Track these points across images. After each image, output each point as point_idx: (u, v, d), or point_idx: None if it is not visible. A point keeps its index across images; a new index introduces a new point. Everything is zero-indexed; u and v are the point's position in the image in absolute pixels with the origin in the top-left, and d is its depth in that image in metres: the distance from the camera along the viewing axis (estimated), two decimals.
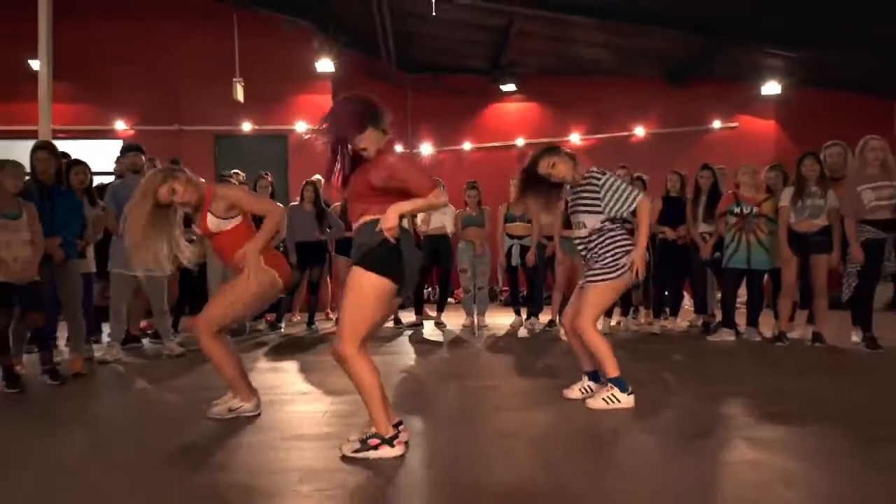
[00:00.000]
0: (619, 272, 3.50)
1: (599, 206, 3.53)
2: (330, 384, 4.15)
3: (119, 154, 5.76)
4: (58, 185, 4.67)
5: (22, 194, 4.17)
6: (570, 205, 3.70)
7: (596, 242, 3.55)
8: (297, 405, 3.71)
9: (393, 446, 2.65)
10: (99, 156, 8.50)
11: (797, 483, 2.39)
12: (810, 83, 9.03)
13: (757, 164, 6.27)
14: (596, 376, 3.69)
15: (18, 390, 3.94)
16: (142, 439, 3.08)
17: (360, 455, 2.62)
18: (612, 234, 3.55)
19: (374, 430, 2.66)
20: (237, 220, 3.36)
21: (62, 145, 7.06)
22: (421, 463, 2.70)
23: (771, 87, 9.07)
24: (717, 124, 9.58)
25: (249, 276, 3.19)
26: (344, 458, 2.64)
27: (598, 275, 3.53)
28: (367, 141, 2.62)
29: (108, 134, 8.99)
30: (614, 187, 3.51)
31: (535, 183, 3.60)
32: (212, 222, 3.32)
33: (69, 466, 2.73)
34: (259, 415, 3.38)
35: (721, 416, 3.36)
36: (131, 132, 9.03)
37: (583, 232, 3.61)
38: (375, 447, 2.64)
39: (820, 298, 5.51)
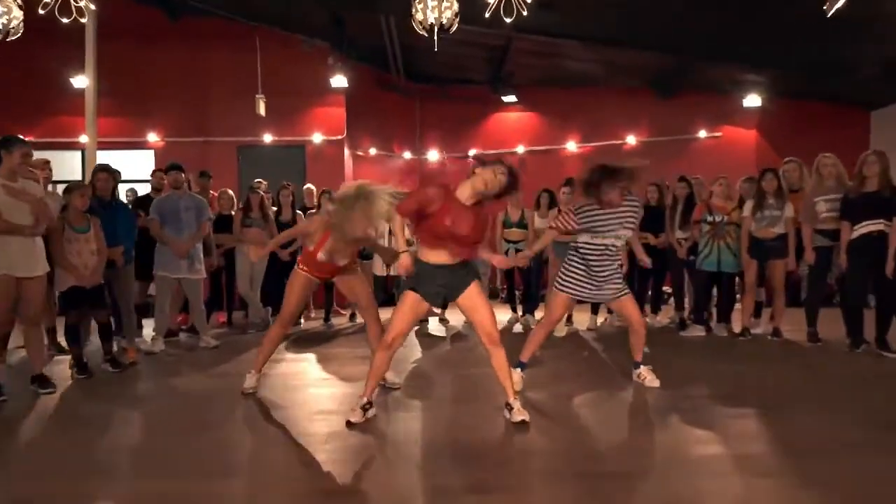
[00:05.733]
0: None
1: (634, 225, 4.32)
2: (346, 372, 4.94)
3: (163, 171, 6.51)
4: (114, 200, 5.47)
5: (88, 210, 4.97)
6: (599, 218, 4.23)
7: (616, 256, 4.32)
8: (318, 388, 4.49)
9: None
10: (133, 165, 9.38)
11: (758, 437, 3.22)
12: (790, 95, 9.68)
13: (740, 171, 6.98)
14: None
15: (88, 376, 4.75)
16: (198, 410, 3.88)
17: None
18: None
19: (513, 396, 3.56)
20: None
21: (101, 155, 7.94)
22: (427, 428, 3.47)
23: (752, 100, 9.74)
24: (702, 134, 10.26)
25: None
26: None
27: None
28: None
29: (142, 145, 9.82)
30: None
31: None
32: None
33: (144, 431, 3.53)
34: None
35: (684, 396, 4.10)
36: (162, 143, 9.85)
37: (619, 243, 4.27)
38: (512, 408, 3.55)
39: (777, 298, 6.21)
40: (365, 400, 3.59)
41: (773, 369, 4.95)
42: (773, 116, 9.83)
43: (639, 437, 3.42)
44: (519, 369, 4.33)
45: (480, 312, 3.52)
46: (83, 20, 5.86)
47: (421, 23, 5.86)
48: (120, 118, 9.65)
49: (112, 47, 8.74)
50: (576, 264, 4.30)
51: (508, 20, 5.86)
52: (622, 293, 4.34)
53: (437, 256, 3.45)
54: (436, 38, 5.89)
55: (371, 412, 3.62)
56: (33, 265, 4.27)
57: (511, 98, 10.85)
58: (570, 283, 4.31)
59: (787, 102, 9.74)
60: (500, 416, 3.68)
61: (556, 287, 4.37)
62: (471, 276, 3.54)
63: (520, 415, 3.47)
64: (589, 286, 4.30)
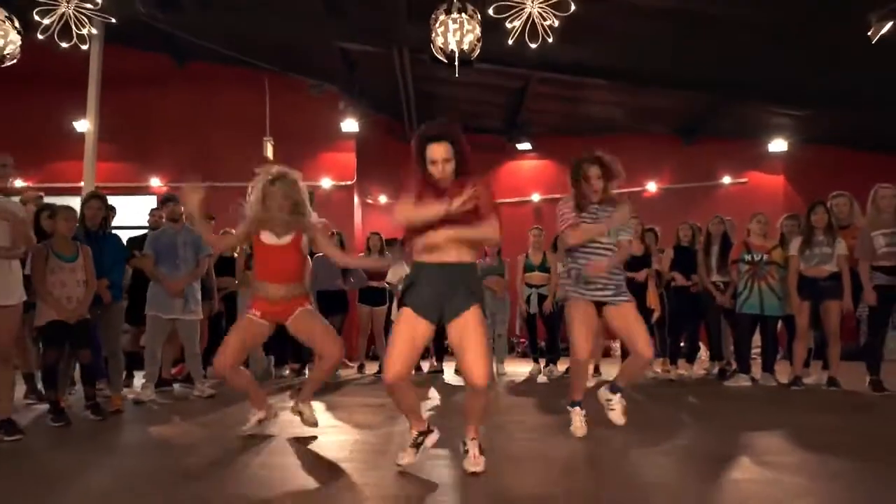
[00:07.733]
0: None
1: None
2: (356, 420, 4.33)
3: (158, 204, 6.11)
4: (103, 230, 5.01)
5: (74, 238, 4.50)
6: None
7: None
8: (326, 436, 3.88)
9: None
10: (135, 211, 8.99)
11: (809, 494, 2.54)
12: (817, 140, 9.34)
13: (768, 216, 6.47)
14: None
15: (64, 423, 4.15)
16: (175, 465, 3.26)
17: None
18: None
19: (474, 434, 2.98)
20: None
21: None
22: (455, 480, 2.86)
23: (778, 145, 9.41)
24: (727, 180, 9.88)
25: None
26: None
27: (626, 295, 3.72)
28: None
29: (145, 190, 9.48)
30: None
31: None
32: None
33: (106, 489, 2.91)
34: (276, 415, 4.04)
35: (736, 445, 3.47)
36: (165, 188, 9.50)
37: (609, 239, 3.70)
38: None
39: (833, 343, 5.62)
40: (415, 433, 3.00)
41: (854, 420, 4.30)
42: (800, 162, 9.46)
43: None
44: (577, 407, 3.76)
45: (471, 351, 2.80)
46: (84, 47, 5.61)
47: (441, 48, 5.55)
48: (122, 163, 9.39)
49: (116, 92, 8.55)
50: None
51: (534, 45, 5.55)
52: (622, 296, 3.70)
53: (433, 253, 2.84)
54: (457, 64, 5.58)
55: (430, 438, 3.04)
56: (6, 293, 3.76)
57: (526, 146, 10.58)
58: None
59: (814, 147, 9.38)
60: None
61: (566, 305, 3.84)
62: (474, 297, 2.87)
63: (474, 464, 2.86)
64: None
